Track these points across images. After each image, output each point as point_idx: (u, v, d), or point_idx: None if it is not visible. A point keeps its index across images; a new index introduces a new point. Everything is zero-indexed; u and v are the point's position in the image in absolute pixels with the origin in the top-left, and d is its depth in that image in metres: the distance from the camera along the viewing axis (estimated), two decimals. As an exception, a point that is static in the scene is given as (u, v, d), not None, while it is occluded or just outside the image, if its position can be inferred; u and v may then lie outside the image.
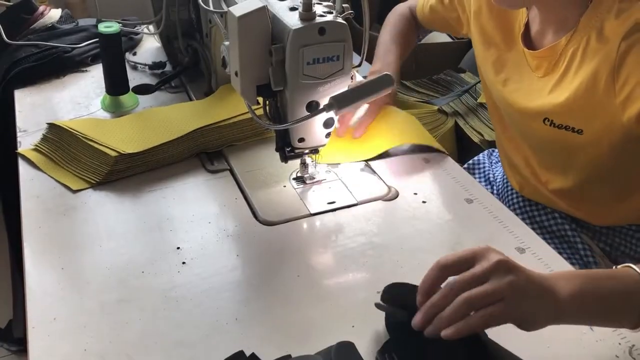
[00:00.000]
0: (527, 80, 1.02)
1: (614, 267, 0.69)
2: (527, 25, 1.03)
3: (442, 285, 0.66)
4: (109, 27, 1.13)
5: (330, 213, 0.94)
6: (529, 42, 1.02)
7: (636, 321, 0.67)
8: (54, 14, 1.46)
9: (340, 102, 0.82)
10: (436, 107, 1.90)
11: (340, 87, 0.86)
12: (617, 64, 0.85)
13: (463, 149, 1.78)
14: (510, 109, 1.05)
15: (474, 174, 1.32)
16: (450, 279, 0.66)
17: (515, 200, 1.18)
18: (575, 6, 0.91)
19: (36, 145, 1.07)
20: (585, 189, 1.04)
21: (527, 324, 0.65)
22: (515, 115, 1.05)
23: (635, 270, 0.67)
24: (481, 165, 1.36)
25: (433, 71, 2.03)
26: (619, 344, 0.73)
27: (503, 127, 1.14)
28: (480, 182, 1.25)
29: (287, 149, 0.92)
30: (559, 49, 0.94)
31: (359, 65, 0.88)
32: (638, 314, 0.66)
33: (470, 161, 1.38)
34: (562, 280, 0.66)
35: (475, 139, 1.60)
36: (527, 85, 1.01)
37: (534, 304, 0.64)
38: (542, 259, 0.86)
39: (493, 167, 1.31)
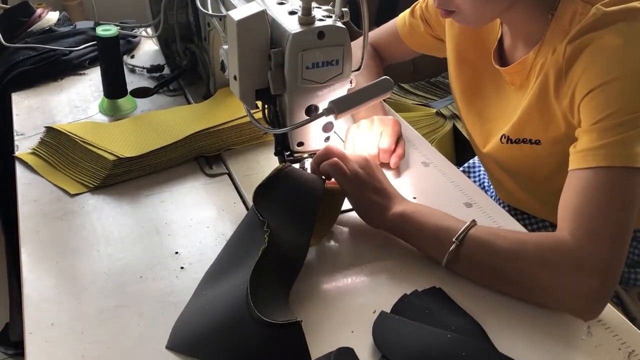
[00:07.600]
0: (505, 99, 1.00)
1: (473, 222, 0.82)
2: (501, 41, 1.01)
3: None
4: (107, 30, 1.13)
5: (329, 217, 0.94)
6: (503, 57, 1.01)
7: (442, 260, 0.81)
8: (51, 17, 1.46)
9: (339, 106, 0.82)
10: (434, 110, 1.90)
11: (340, 91, 0.85)
12: (564, 68, 0.84)
13: (461, 152, 1.79)
14: (485, 140, 1.05)
15: (469, 176, 1.32)
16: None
17: (506, 210, 1.17)
18: (538, 19, 0.89)
19: (34, 149, 1.07)
20: None
21: (360, 208, 0.87)
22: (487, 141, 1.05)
23: (464, 225, 0.81)
24: (477, 169, 1.35)
25: (431, 74, 2.03)
26: (619, 349, 0.73)
27: (478, 151, 1.13)
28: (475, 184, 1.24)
29: (286, 153, 0.92)
30: (528, 63, 0.92)
31: (358, 69, 0.88)
32: (443, 255, 0.81)
33: (466, 164, 1.38)
34: (404, 202, 0.86)
35: (473, 142, 1.60)
36: (504, 106, 1.00)
37: (370, 197, 0.85)
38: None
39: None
